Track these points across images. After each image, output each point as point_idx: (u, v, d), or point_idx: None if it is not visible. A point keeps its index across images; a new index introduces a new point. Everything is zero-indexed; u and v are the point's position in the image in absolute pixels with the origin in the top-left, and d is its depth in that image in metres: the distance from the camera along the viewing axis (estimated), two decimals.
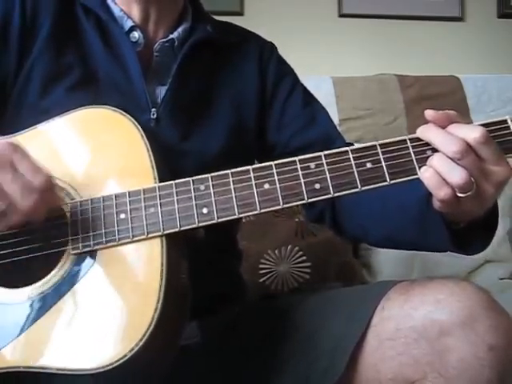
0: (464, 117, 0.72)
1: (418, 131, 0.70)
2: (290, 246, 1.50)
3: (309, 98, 1.04)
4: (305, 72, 1.80)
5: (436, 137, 0.68)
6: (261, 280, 1.49)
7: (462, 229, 0.75)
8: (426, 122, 0.71)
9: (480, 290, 0.71)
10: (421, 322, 0.71)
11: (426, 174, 0.68)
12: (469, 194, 0.66)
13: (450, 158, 0.66)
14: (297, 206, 0.72)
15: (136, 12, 0.91)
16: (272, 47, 1.05)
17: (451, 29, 2.21)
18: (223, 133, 0.93)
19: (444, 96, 1.87)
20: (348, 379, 0.75)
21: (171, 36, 0.92)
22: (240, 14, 2.08)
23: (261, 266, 1.49)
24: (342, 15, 2.15)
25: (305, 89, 1.05)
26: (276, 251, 1.50)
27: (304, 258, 1.50)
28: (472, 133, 0.67)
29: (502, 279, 1.64)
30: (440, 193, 0.67)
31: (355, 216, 0.92)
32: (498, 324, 0.68)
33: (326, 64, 2.04)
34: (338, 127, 1.73)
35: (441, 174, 0.67)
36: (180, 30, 0.94)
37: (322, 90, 1.80)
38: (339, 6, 2.15)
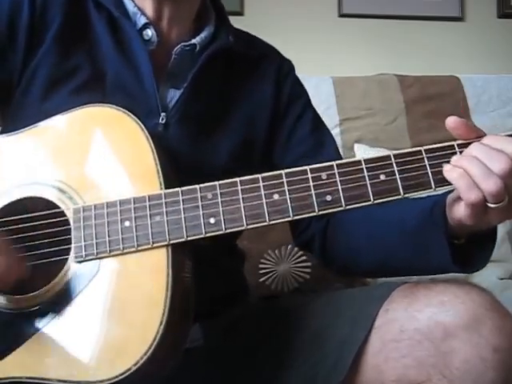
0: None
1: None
2: (290, 246, 1.50)
3: (318, 123, 1.02)
4: (305, 72, 1.80)
5: (480, 152, 0.65)
6: (261, 280, 1.49)
7: (462, 245, 0.75)
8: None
9: (484, 292, 0.71)
10: (425, 324, 0.70)
11: (453, 175, 0.66)
12: (499, 205, 0.65)
13: (484, 164, 0.64)
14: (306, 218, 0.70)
15: (149, 8, 0.88)
16: (290, 66, 1.04)
17: (451, 29, 2.21)
18: (231, 146, 0.91)
19: (444, 96, 1.86)
20: (351, 381, 0.75)
21: (193, 41, 0.90)
22: (240, 13, 2.07)
23: (261, 266, 1.49)
24: (342, 15, 2.15)
25: (315, 113, 1.03)
26: (276, 251, 1.50)
27: (304, 257, 1.50)
28: None
29: (501, 279, 1.63)
30: (471, 196, 0.65)
31: (350, 236, 0.90)
32: (502, 326, 0.68)
33: (326, 64, 2.03)
34: (337, 127, 1.77)
35: (473, 178, 0.64)
36: (203, 35, 0.91)
37: (322, 90, 1.80)
38: (339, 6, 2.15)
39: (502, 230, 1.67)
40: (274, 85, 0.98)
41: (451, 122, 0.69)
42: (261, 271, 1.49)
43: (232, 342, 0.89)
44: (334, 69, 1.95)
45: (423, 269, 0.82)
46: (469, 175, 0.65)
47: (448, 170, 0.67)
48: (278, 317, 0.88)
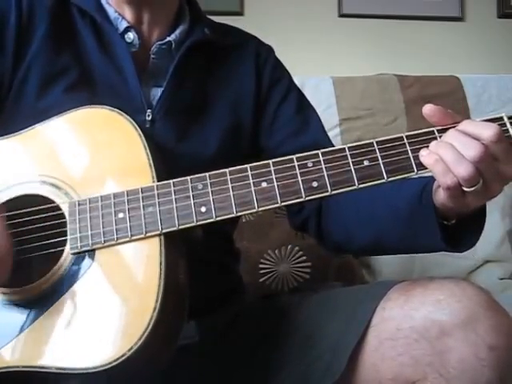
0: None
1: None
2: (290, 246, 1.50)
3: (303, 103, 1.03)
4: (305, 72, 1.82)
5: (455, 139, 0.67)
6: (261, 280, 1.48)
7: (453, 225, 0.75)
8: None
9: (480, 291, 0.71)
10: (421, 323, 0.71)
11: (429, 161, 0.68)
12: (474, 188, 0.67)
13: (458, 151, 0.66)
14: (294, 204, 0.72)
15: (128, 14, 0.91)
16: (269, 50, 1.05)
17: (451, 29, 2.21)
18: (219, 135, 0.93)
19: (444, 96, 1.86)
20: (348, 379, 0.75)
21: (168, 38, 0.92)
22: (240, 13, 2.08)
23: (261, 266, 1.49)
24: (342, 15, 2.15)
25: (300, 93, 1.04)
26: (276, 251, 1.50)
27: (304, 258, 1.50)
28: (487, 130, 0.67)
29: (501, 279, 1.64)
30: (446, 180, 0.67)
31: (342, 219, 0.91)
32: (499, 324, 0.69)
33: (325, 64, 2.03)
34: (337, 127, 1.78)
35: (446, 163, 0.67)
36: (178, 32, 0.93)
37: (322, 90, 1.80)
38: (339, 6, 2.15)
39: (502, 229, 1.67)
40: (255, 70, 1.00)
41: (427, 109, 0.71)
42: (261, 271, 1.49)
43: (228, 339, 0.90)
44: (333, 69, 1.95)
45: (414, 247, 0.83)
46: (443, 161, 0.67)
47: (424, 156, 0.69)
48: (274, 316, 0.89)
